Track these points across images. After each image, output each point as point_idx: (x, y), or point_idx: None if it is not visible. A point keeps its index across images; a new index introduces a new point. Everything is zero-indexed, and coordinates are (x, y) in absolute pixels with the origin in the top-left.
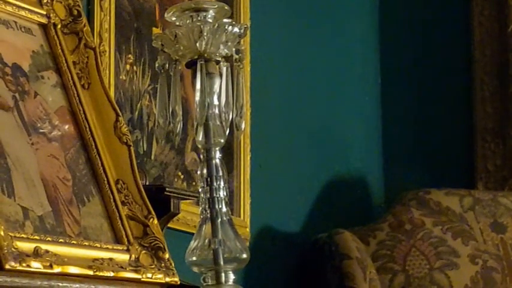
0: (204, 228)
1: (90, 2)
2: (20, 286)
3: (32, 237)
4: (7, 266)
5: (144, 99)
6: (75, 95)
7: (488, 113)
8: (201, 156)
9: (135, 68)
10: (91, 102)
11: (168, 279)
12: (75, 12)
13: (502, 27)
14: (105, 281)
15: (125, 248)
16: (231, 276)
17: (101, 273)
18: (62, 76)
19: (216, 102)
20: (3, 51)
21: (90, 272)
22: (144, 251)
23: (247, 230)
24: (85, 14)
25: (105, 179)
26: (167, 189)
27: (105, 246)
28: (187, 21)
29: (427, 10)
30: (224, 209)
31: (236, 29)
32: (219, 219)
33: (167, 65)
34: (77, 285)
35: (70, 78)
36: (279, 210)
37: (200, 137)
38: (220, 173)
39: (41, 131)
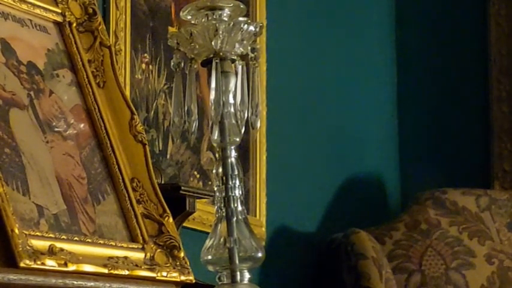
0: (219, 227)
1: (106, 0)
2: (34, 284)
3: (46, 235)
4: (22, 264)
5: (160, 98)
6: (91, 93)
7: (504, 113)
8: (217, 155)
9: (150, 67)
10: (106, 101)
11: (183, 278)
12: (91, 11)
13: None
14: (120, 279)
15: (140, 246)
16: (246, 275)
17: (115, 272)
18: (77, 74)
19: (231, 100)
20: (19, 49)
21: (105, 270)
22: (159, 250)
23: (263, 229)
24: (100, 12)
25: (120, 177)
26: (182, 187)
27: (120, 245)
28: (203, 20)
29: (444, 10)
30: (240, 208)
31: (252, 28)
32: (235, 218)
33: (182, 64)
34: (92, 284)
35: (85, 76)
36: (295, 210)
37: (215, 135)
38: (236, 172)
39: (56, 129)
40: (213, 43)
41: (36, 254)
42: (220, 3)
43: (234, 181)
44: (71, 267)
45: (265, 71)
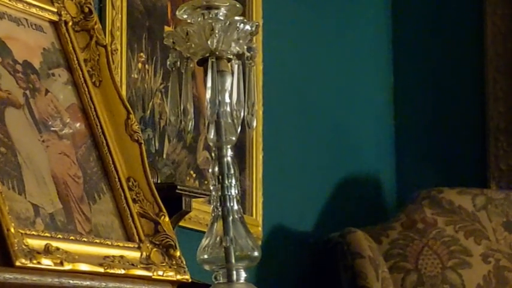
0: (215, 226)
1: (102, 0)
2: (30, 283)
3: (42, 234)
4: (18, 263)
5: (156, 97)
6: (86, 92)
7: (501, 113)
8: (213, 154)
9: (147, 66)
10: (102, 100)
11: (179, 277)
12: (86, 10)
13: None
14: (115, 278)
15: (136, 245)
16: (243, 274)
17: (111, 271)
18: (73, 73)
19: (227, 100)
20: (14, 48)
21: (101, 270)
22: (155, 249)
23: (260, 229)
24: (97, 12)
25: (116, 176)
26: (178, 187)
27: (116, 244)
28: (199, 19)
29: (440, 9)
30: (236, 207)
31: (248, 27)
32: (231, 217)
33: (178, 63)
34: (88, 283)
35: (81, 75)
36: (291, 209)
37: (211, 134)
38: (232, 171)
39: (52, 128)
40: (209, 42)
41: (32, 253)
42: (216, 2)
43: (230, 180)
44: (67, 266)
45: (262, 70)
